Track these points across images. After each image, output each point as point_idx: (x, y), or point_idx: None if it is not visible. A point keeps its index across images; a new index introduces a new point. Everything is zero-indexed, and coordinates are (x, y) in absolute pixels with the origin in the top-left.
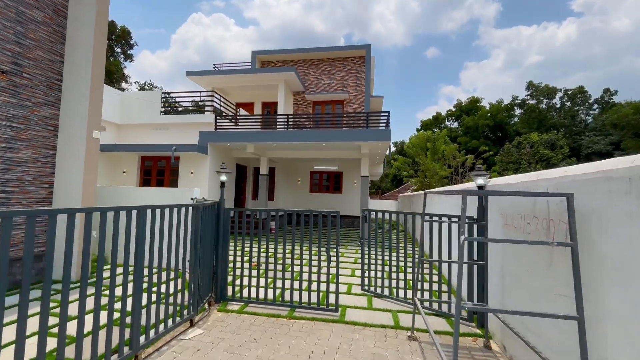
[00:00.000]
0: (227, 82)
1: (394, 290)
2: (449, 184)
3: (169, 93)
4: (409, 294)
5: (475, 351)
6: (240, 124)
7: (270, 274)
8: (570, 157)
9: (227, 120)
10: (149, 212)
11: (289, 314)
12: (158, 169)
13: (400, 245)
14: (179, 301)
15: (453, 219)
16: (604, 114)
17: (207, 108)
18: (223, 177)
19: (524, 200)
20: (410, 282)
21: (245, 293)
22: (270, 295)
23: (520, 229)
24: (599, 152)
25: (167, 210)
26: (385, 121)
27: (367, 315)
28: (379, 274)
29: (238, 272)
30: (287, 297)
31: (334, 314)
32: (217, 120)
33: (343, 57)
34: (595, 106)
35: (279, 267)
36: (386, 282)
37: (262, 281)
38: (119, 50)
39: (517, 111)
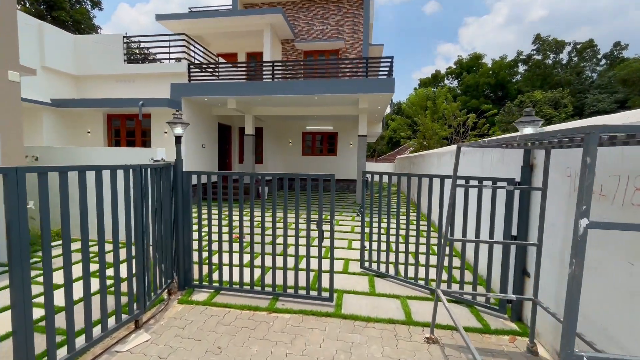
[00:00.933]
0: (204, 27)
1: (401, 268)
2: (448, 145)
3: (130, 37)
4: (421, 272)
5: (518, 358)
6: (219, 74)
7: (249, 251)
8: (573, 116)
9: (203, 70)
10: (54, 175)
11: (270, 305)
12: (127, 129)
13: (405, 213)
14: (124, 296)
15: (486, 182)
16: (611, 70)
17: (178, 56)
18: (178, 130)
19: (630, 153)
20: (414, 254)
21: (217, 276)
22: (248, 278)
23: (616, 199)
24: (603, 111)
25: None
26: (387, 69)
27: (370, 304)
28: (382, 248)
29: (209, 250)
30: (268, 280)
31: (328, 304)
32: (191, 70)
33: None
34: (603, 62)
35: (259, 240)
36: (391, 257)
37: (241, 259)
38: None
39: (521, 68)
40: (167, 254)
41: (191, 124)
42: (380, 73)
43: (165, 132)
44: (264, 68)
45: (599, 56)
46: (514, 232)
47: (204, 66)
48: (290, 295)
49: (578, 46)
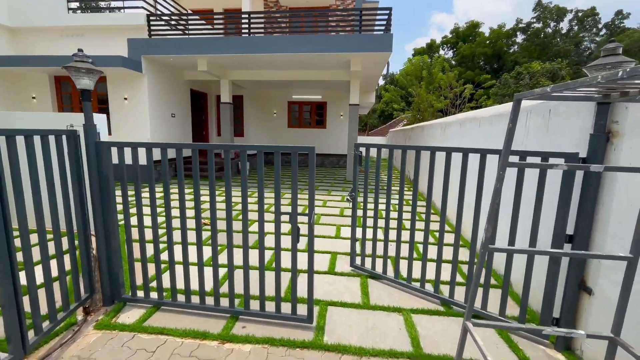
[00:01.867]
0: None
1: (403, 267)
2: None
3: None
4: (429, 272)
5: None
6: (186, 29)
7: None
8: None
9: (167, 24)
10: None
11: (226, 329)
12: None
13: (411, 201)
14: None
15: (532, 159)
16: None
17: (137, 5)
18: (83, 82)
19: None
20: (419, 252)
21: (163, 284)
22: (198, 284)
23: None
24: None
25: None
26: (384, 23)
27: (363, 324)
28: (378, 237)
29: (141, 249)
30: (225, 289)
31: (306, 327)
32: (152, 22)
33: None
34: (603, 31)
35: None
36: (390, 252)
37: (184, 258)
38: None
39: (520, 38)
40: (81, 258)
41: (156, 89)
42: (375, 29)
43: (125, 99)
44: (242, 21)
45: (600, 25)
46: (570, 231)
47: (165, 18)
48: (254, 314)
49: (580, 14)
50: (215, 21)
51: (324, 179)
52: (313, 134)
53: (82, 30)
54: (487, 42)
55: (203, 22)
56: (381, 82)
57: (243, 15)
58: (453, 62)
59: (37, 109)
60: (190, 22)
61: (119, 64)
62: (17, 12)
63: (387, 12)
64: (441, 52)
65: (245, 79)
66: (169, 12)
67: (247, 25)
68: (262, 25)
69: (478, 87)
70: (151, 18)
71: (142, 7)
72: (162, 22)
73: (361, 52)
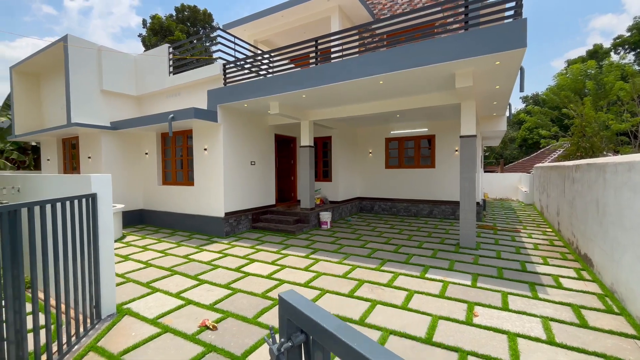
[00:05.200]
0: (268, 28)
1: None
2: (630, 147)
3: (174, 44)
4: None
5: None
6: (257, 70)
7: None
8: None
9: (241, 68)
10: None
11: None
12: (176, 147)
13: None
14: None
15: None
16: None
17: (216, 54)
18: None
19: None
20: None
21: None
22: None
23: None
24: None
25: None
26: (514, 7)
27: None
28: None
29: None
30: None
31: None
32: (227, 70)
33: None
34: None
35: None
36: None
37: None
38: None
39: None
40: None
41: (233, 137)
42: (494, 19)
43: (205, 149)
44: (329, 48)
45: None
46: None
47: (240, 62)
48: None
49: None
50: (286, 53)
51: (427, 239)
52: (417, 175)
53: (179, 89)
54: None
55: (270, 58)
56: (519, 105)
57: (304, 45)
58: (636, 68)
59: (148, 164)
60: (265, 61)
61: (191, 116)
62: (140, 83)
63: None
64: (613, 57)
65: (327, 118)
66: (247, 54)
67: (314, 51)
68: (345, 49)
69: None
70: (227, 66)
71: (221, 57)
72: (236, 68)
73: (468, 57)
